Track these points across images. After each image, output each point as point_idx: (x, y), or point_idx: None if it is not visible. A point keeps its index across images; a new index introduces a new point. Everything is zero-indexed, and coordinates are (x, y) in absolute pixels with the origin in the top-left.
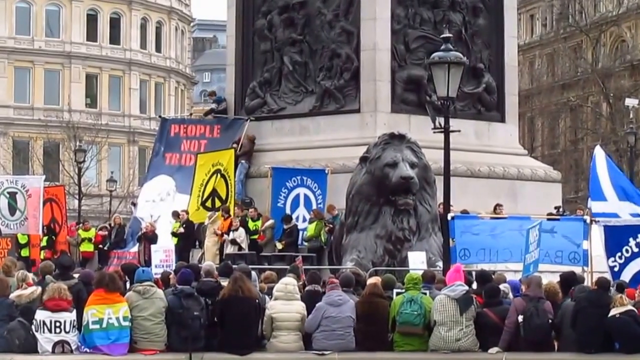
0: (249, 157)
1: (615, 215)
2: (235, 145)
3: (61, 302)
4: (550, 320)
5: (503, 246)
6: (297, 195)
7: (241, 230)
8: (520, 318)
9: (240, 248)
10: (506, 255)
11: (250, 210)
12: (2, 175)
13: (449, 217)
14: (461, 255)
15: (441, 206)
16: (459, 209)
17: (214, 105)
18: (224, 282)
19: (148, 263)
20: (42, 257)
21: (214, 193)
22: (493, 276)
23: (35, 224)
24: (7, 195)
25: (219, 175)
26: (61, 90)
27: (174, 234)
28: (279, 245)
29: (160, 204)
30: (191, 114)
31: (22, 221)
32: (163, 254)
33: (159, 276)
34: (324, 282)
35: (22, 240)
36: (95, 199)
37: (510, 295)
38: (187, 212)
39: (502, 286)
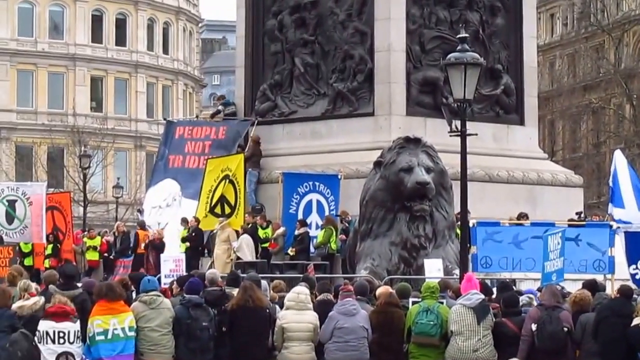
0: (257, 160)
1: (631, 224)
2: (240, 149)
3: (65, 312)
4: (566, 329)
5: (526, 254)
6: (310, 201)
7: (241, 239)
8: (534, 326)
9: (238, 258)
10: (529, 264)
11: (259, 217)
12: (4, 181)
13: (470, 224)
14: (482, 263)
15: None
16: (476, 215)
17: (220, 108)
18: (233, 292)
19: (157, 271)
20: (47, 265)
21: (223, 199)
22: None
23: (38, 232)
24: (6, 203)
25: (227, 181)
26: (65, 94)
27: (183, 240)
28: (290, 253)
29: (166, 209)
30: (197, 117)
31: (22, 229)
32: (173, 263)
33: (167, 286)
34: (336, 290)
35: (26, 249)
36: (101, 206)
37: (535, 304)
38: (196, 219)
39: (526, 296)
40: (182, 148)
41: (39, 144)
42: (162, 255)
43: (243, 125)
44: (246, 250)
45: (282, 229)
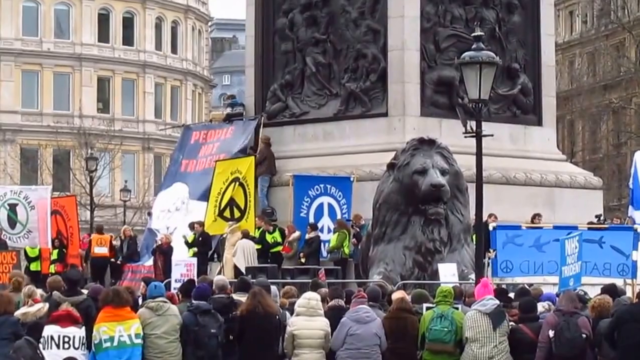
0: (270, 164)
1: None
2: (251, 152)
3: (70, 317)
4: (584, 336)
5: (548, 257)
6: (321, 205)
7: (238, 244)
8: (552, 333)
9: (238, 270)
10: (552, 268)
11: (263, 223)
12: (9, 185)
13: (490, 227)
14: (503, 267)
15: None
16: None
17: (229, 110)
18: (242, 298)
19: (165, 276)
20: (52, 271)
21: (232, 202)
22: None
23: (44, 236)
24: (7, 208)
25: (237, 183)
26: (71, 95)
27: (187, 244)
28: (302, 259)
29: (175, 213)
30: (212, 120)
31: (26, 234)
32: (184, 267)
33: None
34: (349, 295)
35: (32, 253)
36: (109, 210)
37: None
38: (201, 225)
39: (546, 302)
40: (197, 153)
41: (44, 147)
42: (173, 259)
43: (249, 124)
44: (241, 257)
45: (297, 233)
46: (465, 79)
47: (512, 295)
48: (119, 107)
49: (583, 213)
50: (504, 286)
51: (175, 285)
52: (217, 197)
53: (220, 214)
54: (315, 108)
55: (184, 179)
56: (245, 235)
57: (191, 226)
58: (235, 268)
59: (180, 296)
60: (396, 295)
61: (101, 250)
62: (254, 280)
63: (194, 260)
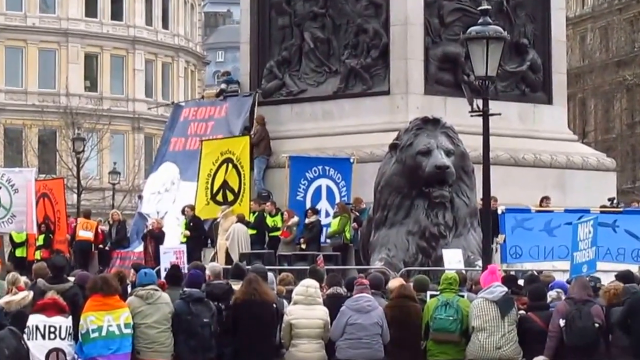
0: (266, 145)
1: None
2: (246, 132)
3: (56, 306)
4: (597, 325)
5: (559, 242)
6: (319, 187)
7: (232, 229)
8: (562, 322)
9: (230, 258)
10: (562, 253)
11: (267, 204)
12: None
13: (499, 211)
14: (512, 253)
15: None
16: (500, 202)
17: (223, 86)
18: (236, 286)
19: (156, 263)
20: (38, 257)
21: (225, 185)
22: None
23: (30, 221)
24: None
25: (230, 165)
26: (57, 72)
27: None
28: (302, 245)
29: (165, 195)
30: (203, 97)
31: (10, 219)
32: (173, 255)
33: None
34: (350, 283)
35: (19, 239)
36: (97, 194)
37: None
38: (192, 208)
39: (554, 291)
40: (185, 130)
41: (29, 127)
42: (161, 247)
43: (244, 102)
44: (235, 242)
45: (296, 219)
46: (471, 55)
47: (521, 282)
48: (107, 85)
49: (595, 196)
50: (512, 273)
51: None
52: (207, 179)
53: (213, 197)
54: (314, 86)
55: (173, 159)
56: (240, 219)
57: (183, 210)
58: (227, 254)
59: (165, 284)
60: (394, 282)
61: (86, 234)
62: (249, 267)
63: (183, 247)
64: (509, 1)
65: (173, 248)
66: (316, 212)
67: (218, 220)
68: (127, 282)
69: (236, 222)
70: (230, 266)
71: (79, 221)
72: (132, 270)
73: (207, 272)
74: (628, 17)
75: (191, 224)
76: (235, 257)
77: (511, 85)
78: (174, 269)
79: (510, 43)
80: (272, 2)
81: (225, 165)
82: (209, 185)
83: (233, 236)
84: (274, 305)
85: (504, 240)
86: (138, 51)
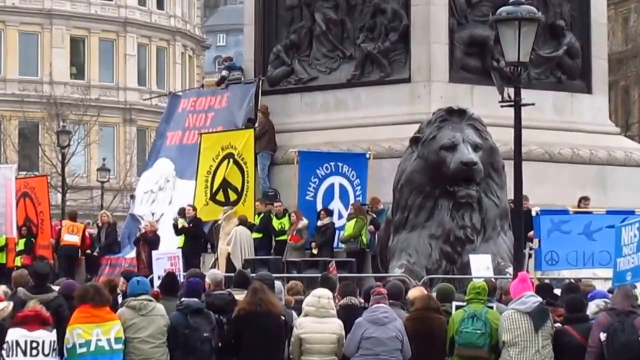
0: (271, 138)
1: None
2: (250, 125)
3: (39, 318)
4: None
5: (600, 247)
6: (331, 186)
7: (234, 232)
8: (603, 336)
9: (231, 265)
10: (604, 259)
11: (275, 204)
12: None
13: (534, 212)
14: (547, 259)
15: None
16: (534, 202)
17: (224, 73)
18: (239, 295)
19: (150, 270)
20: (18, 264)
21: (226, 184)
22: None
23: (9, 224)
24: None
25: (231, 161)
26: (40, 58)
27: (177, 231)
28: (313, 249)
29: (160, 194)
30: (202, 86)
31: None
32: (168, 262)
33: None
34: (367, 292)
35: None
36: (84, 193)
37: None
38: (194, 208)
39: (596, 302)
40: (183, 122)
41: (8, 118)
42: (154, 253)
43: (247, 90)
44: (238, 248)
45: (305, 221)
46: (501, 38)
47: (557, 291)
48: (95, 72)
49: (639, 195)
50: (546, 281)
51: (159, 283)
52: (206, 177)
53: (213, 197)
54: (326, 73)
55: (168, 154)
56: (243, 221)
57: (181, 212)
58: (229, 261)
59: (160, 294)
60: (414, 292)
61: (71, 239)
62: (254, 275)
63: (178, 252)
64: None
65: (167, 253)
66: (330, 213)
67: (219, 222)
68: (117, 292)
69: (237, 224)
70: (232, 274)
71: (63, 224)
72: (121, 279)
73: (207, 280)
74: None
75: (191, 224)
76: (238, 264)
77: (546, 72)
78: (169, 276)
79: (545, 25)
80: None
81: (226, 161)
82: (209, 184)
83: (235, 240)
84: (282, 318)
85: (539, 245)
86: (130, 34)
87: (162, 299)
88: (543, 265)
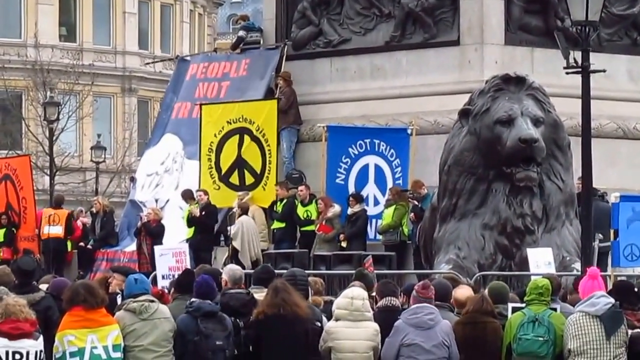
0: (296, 112)
1: None
2: (269, 95)
3: (22, 325)
4: None
5: None
6: (365, 167)
7: (239, 222)
8: None
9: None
10: None
11: (300, 188)
12: None
13: (612, 199)
14: (627, 254)
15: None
16: (605, 186)
17: (242, 33)
18: (260, 295)
19: (152, 267)
20: None
21: (242, 164)
22: None
23: None
24: None
25: (248, 137)
26: (24, 17)
27: (189, 222)
28: (343, 243)
29: (165, 177)
30: (215, 50)
31: None
32: (173, 258)
33: (165, 288)
34: (408, 292)
35: None
36: (75, 175)
37: None
38: (205, 192)
39: None
40: (192, 93)
41: None
42: (156, 248)
43: (269, 56)
44: (245, 243)
45: (337, 208)
46: None
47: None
48: (88, 33)
49: None
50: (623, 278)
51: (163, 284)
52: (208, 155)
53: (225, 179)
54: (360, 34)
55: (176, 129)
56: (245, 210)
57: (186, 196)
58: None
59: (171, 292)
60: (462, 292)
61: (53, 230)
62: (286, 271)
63: (185, 247)
64: None
65: (172, 249)
66: (361, 199)
67: (234, 210)
68: (116, 291)
69: (240, 214)
70: (253, 270)
71: (43, 212)
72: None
73: (224, 277)
74: None
75: (204, 212)
76: (247, 263)
77: (619, 32)
78: (187, 274)
79: None
80: None
81: (237, 137)
82: (213, 164)
83: (242, 235)
84: (309, 322)
85: (617, 237)
86: None
87: (176, 299)
88: (622, 260)
